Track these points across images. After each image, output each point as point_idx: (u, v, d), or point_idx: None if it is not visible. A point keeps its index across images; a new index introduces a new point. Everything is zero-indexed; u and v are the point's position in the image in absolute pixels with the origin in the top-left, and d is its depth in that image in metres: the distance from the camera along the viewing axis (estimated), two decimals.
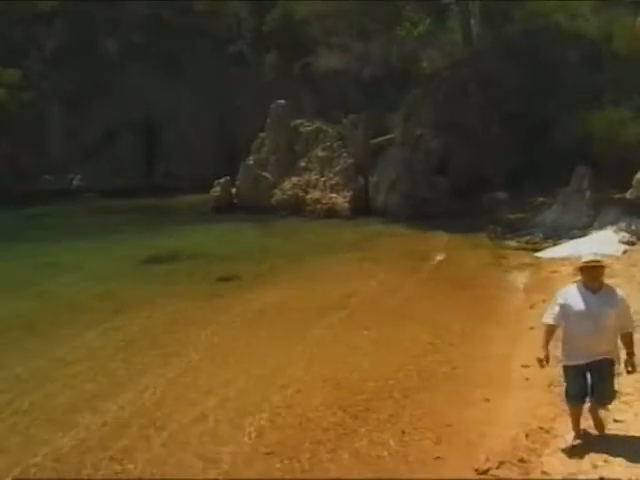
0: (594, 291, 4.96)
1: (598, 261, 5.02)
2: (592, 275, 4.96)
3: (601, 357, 4.97)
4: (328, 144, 21.41)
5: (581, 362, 4.99)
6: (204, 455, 5.88)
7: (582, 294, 4.97)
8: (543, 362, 5.03)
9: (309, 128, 21.96)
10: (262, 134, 22.60)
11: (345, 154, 21.12)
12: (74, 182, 30.17)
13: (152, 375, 7.82)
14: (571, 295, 5.04)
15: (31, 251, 15.91)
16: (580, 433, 5.27)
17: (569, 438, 5.29)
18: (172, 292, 11.65)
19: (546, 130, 18.84)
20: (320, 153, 21.43)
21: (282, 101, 22.50)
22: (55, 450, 6.05)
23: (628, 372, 5.11)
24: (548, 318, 5.12)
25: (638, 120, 16.02)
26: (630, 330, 5.09)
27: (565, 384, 5.28)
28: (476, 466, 5.30)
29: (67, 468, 5.76)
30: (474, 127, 20.37)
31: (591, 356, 4.95)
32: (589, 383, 5.06)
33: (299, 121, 22.28)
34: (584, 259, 5.06)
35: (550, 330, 5.09)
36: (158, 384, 7.51)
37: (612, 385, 5.16)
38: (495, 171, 19.51)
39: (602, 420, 5.32)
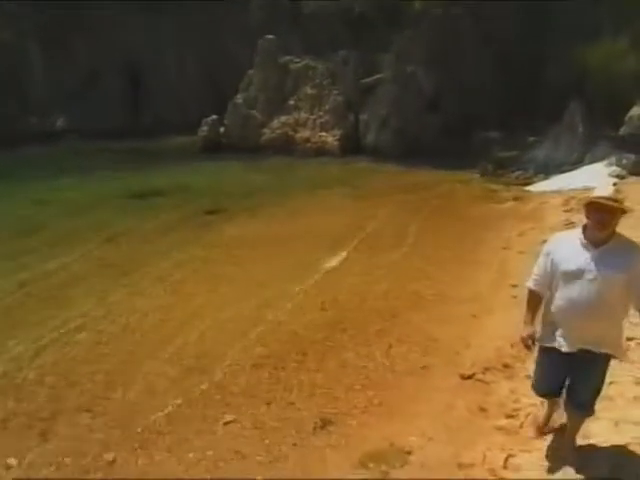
0: (597, 244, 3.32)
1: (615, 200, 3.25)
2: (601, 220, 3.26)
3: (592, 347, 3.38)
4: (318, 81, 20.92)
5: (563, 347, 3.44)
6: (195, 368, 5.89)
7: (577, 246, 3.38)
8: (527, 341, 3.57)
9: (298, 65, 21.39)
10: (250, 71, 22.03)
11: (335, 92, 20.67)
12: (58, 124, 29.50)
13: (144, 298, 7.80)
14: (562, 246, 3.47)
15: (17, 189, 15.64)
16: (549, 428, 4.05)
17: None
18: (159, 223, 11.59)
19: (540, 68, 18.47)
20: (309, 91, 20.97)
21: (271, 36, 21.84)
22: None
23: None
24: (530, 281, 3.62)
25: (634, 52, 15.68)
26: None
27: (535, 369, 3.86)
28: (461, 372, 5.35)
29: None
30: (466, 65, 19.94)
31: (577, 342, 3.39)
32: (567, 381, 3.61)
33: (288, 57, 21.69)
34: (595, 193, 3.33)
35: (533, 298, 3.61)
36: (150, 306, 7.49)
37: (595, 392, 3.52)
38: (487, 110, 19.19)
39: (572, 432, 3.75)
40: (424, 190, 13.97)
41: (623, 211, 3.26)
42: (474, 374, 5.28)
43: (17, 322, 7.11)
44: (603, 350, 3.39)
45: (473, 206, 12.39)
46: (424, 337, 6.31)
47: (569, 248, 3.41)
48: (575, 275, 3.33)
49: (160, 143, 23.84)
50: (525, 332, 3.58)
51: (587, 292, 3.29)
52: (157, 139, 24.22)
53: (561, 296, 3.42)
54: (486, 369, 5.34)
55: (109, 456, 4.46)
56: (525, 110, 18.34)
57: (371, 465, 4.14)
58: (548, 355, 3.58)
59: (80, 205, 13.66)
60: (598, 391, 3.53)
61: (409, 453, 4.26)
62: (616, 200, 3.25)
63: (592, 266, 3.30)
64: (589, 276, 3.28)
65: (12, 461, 4.49)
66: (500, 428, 4.43)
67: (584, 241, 3.36)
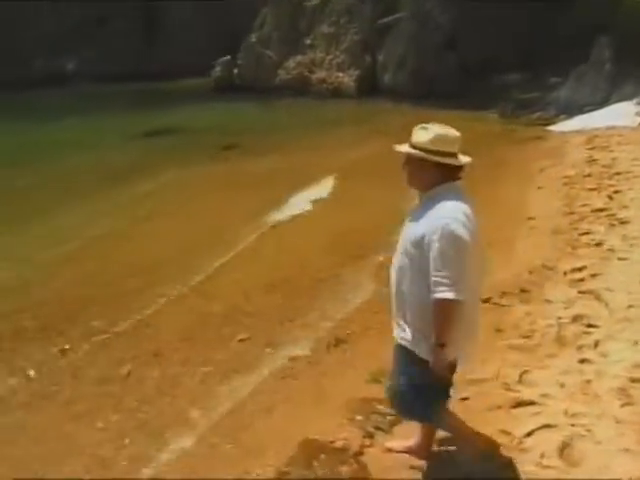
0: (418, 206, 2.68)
1: (418, 146, 2.59)
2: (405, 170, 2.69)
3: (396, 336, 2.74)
4: (334, 19, 20.26)
5: None
6: (206, 292, 5.90)
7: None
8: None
9: (314, 2, 20.68)
10: (264, 10, 21.39)
11: (352, 31, 20.03)
12: (69, 67, 29.11)
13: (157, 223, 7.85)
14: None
15: (31, 130, 15.59)
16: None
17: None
18: (175, 159, 11.54)
19: (566, 4, 17.64)
20: (326, 29, 20.35)
21: None
22: None
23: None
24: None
25: None
26: (437, 296, 2.43)
27: None
28: None
29: None
30: (487, 1, 19.11)
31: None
32: None
33: None
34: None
35: None
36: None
37: (399, 386, 2.79)
38: (508, 50, 18.51)
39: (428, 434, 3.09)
40: None
41: (419, 159, 2.57)
42: (490, 298, 5.19)
43: None
44: (398, 341, 2.79)
45: (492, 144, 12.05)
46: None
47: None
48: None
49: (173, 85, 23.51)
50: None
51: (393, 266, 2.71)
52: (170, 81, 23.87)
53: None
54: (503, 293, 5.26)
55: (124, 369, 4.50)
56: (548, 48, 17.68)
57: (383, 380, 4.11)
58: None
59: (92, 144, 13.59)
60: (398, 386, 2.84)
61: None
62: (417, 146, 2.58)
63: (404, 233, 2.68)
64: (399, 246, 2.71)
65: (32, 372, 4.55)
66: (515, 347, 4.38)
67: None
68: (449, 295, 2.41)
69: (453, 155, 2.60)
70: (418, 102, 16.94)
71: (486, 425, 3.36)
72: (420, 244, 2.50)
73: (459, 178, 2.67)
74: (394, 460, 3.20)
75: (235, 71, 21.45)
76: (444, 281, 2.42)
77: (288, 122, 15.37)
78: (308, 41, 20.65)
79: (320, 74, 20.11)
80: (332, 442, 3.38)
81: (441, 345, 2.50)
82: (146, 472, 3.36)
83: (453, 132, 2.63)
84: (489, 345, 4.48)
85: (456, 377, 3.92)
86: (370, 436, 3.46)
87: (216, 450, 3.48)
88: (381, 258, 6.20)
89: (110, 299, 5.74)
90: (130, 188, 9.76)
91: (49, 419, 3.92)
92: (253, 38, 21.33)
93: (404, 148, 2.65)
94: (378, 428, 3.53)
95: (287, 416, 3.76)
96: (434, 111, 15.93)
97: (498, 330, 4.70)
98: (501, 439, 3.24)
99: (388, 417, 3.58)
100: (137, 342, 4.87)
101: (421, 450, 3.11)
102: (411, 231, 2.60)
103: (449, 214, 2.49)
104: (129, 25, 29.91)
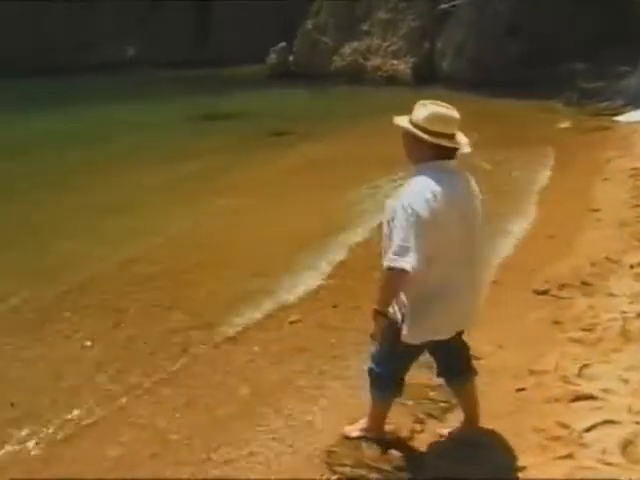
0: None
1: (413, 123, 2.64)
2: None
3: None
4: (392, 6, 19.95)
5: None
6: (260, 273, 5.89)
7: None
8: None
9: None
10: None
11: (410, 17, 19.69)
12: (129, 54, 29.89)
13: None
14: None
15: (97, 112, 16.16)
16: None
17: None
18: (227, 143, 11.69)
19: None
20: (383, 15, 20.08)
21: None
22: None
23: None
24: None
25: None
26: (383, 263, 2.51)
27: None
28: (535, 287, 5.10)
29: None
30: None
31: None
32: None
33: None
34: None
35: None
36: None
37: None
38: (572, 36, 17.78)
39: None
40: (502, 117, 13.28)
41: (410, 135, 2.60)
42: (549, 290, 5.02)
43: None
44: None
45: (557, 135, 11.69)
46: (492, 254, 6.05)
47: None
48: None
49: (229, 71, 23.78)
50: None
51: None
52: (226, 68, 24.14)
53: None
54: (562, 286, 5.05)
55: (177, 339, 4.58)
56: (616, 35, 16.86)
57: (435, 367, 4.03)
58: None
59: (150, 126, 13.93)
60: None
61: (478, 358, 4.11)
62: (412, 122, 2.62)
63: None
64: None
65: (88, 343, 4.69)
66: (575, 340, 4.20)
67: None
68: (392, 263, 2.42)
69: (448, 136, 2.57)
70: (477, 90, 16.51)
71: (544, 417, 3.24)
72: (392, 219, 2.54)
73: (452, 158, 2.62)
74: (444, 447, 3.13)
75: (290, 58, 21.48)
76: (391, 250, 2.45)
77: (343, 109, 15.27)
78: (364, 27, 20.44)
79: (375, 61, 19.90)
80: None
81: (376, 311, 2.55)
82: (197, 443, 3.39)
83: (451, 112, 2.59)
84: (547, 337, 4.34)
85: (518, 366, 3.87)
86: (421, 422, 3.40)
87: (263, 426, 3.48)
88: None
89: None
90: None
91: None
92: (309, 24, 21.28)
93: (403, 122, 2.66)
94: (429, 415, 3.46)
95: (338, 395, 3.73)
96: (492, 99, 15.56)
97: (556, 322, 4.52)
98: (559, 432, 3.11)
99: (441, 404, 3.50)
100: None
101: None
102: (388, 206, 2.65)
103: (414, 189, 2.52)
104: (186, 13, 30.40)
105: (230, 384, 3.95)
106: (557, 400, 3.46)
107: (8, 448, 3.41)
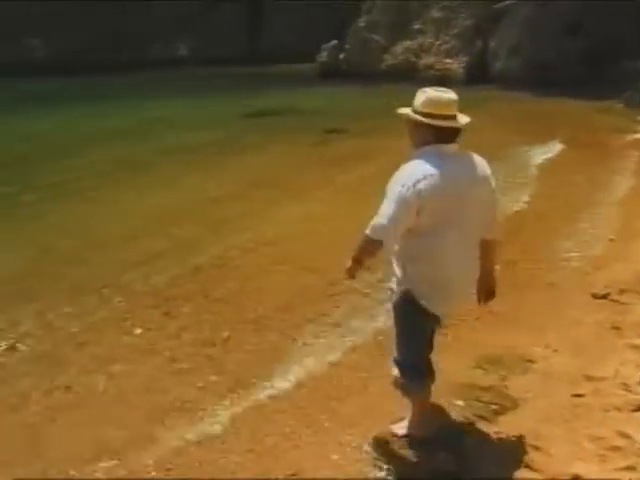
0: None
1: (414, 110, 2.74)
2: None
3: None
4: (446, 3, 19.65)
5: None
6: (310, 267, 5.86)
7: None
8: None
9: None
10: None
11: (463, 15, 19.34)
12: (181, 52, 30.48)
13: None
14: None
15: (142, 108, 16.49)
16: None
17: None
18: (278, 139, 11.72)
19: None
20: (436, 14, 19.80)
21: None
22: None
23: None
24: None
25: None
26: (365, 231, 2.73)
27: None
28: (593, 291, 4.89)
29: None
30: None
31: None
32: None
33: None
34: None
35: None
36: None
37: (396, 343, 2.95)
38: (635, 35, 17.09)
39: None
40: (557, 118, 12.85)
41: (412, 121, 2.69)
42: (608, 294, 4.80)
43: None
44: None
45: (613, 136, 11.23)
46: (551, 256, 5.85)
47: None
48: None
49: (279, 69, 23.92)
50: None
51: None
52: (276, 65, 24.30)
53: None
54: (622, 290, 4.82)
55: (224, 334, 4.59)
56: None
57: (487, 367, 3.91)
58: None
59: (202, 122, 14.15)
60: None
61: (532, 362, 3.97)
62: (412, 108, 2.70)
63: None
64: None
65: (138, 330, 4.76)
66: (635, 347, 4.00)
67: None
68: (367, 230, 2.59)
69: (445, 117, 2.61)
70: (533, 89, 16.09)
71: (602, 426, 3.08)
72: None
73: (453, 141, 2.67)
74: (493, 449, 3.03)
75: (341, 56, 21.42)
76: (373, 219, 2.60)
77: (393, 107, 15.11)
78: (417, 26, 20.20)
79: (427, 60, 19.63)
80: None
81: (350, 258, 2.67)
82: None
83: (447, 95, 2.65)
84: (605, 343, 4.15)
85: (574, 371, 3.70)
86: (471, 423, 3.29)
87: (307, 418, 3.45)
88: None
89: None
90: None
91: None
92: (361, 23, 21.17)
93: (404, 110, 2.74)
94: (480, 416, 3.35)
95: (382, 392, 3.66)
96: (551, 99, 15.09)
97: (616, 328, 4.31)
98: (619, 442, 2.95)
99: (492, 406, 3.39)
100: None
101: None
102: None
103: (407, 170, 2.60)
104: (238, 11, 30.76)
105: None
106: (617, 408, 3.29)
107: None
